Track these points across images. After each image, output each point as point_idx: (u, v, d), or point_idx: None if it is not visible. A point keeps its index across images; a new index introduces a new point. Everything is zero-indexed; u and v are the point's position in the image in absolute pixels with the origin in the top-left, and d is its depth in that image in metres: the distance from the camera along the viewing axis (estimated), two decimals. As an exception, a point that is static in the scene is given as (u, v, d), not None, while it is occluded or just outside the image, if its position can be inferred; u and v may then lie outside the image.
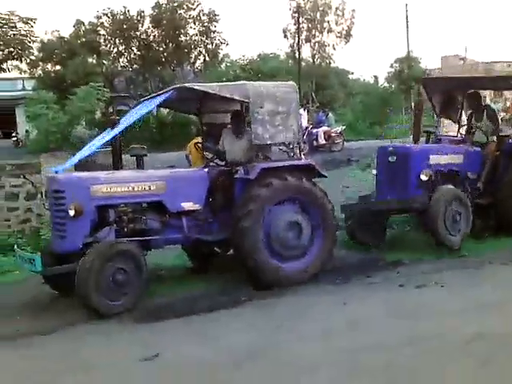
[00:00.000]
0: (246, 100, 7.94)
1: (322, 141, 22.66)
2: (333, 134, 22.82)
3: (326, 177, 8.72)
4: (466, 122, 11.16)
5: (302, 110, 23.87)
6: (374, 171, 10.35)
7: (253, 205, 7.68)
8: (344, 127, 24.48)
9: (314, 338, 5.82)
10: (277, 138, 8.12)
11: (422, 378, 4.79)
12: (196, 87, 8.07)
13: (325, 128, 23.09)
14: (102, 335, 6.35)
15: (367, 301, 7.09)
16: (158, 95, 8.25)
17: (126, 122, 7.94)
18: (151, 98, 8.50)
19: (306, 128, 23.15)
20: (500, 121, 14.98)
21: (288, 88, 8.33)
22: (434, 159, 9.71)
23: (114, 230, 7.39)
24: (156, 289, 7.81)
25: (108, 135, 7.95)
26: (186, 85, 8.27)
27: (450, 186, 9.51)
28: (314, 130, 22.97)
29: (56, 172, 7.56)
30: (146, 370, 5.29)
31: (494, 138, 10.45)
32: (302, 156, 8.67)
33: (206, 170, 8.33)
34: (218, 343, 5.87)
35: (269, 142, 8.13)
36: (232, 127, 8.76)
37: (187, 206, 7.84)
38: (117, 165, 9.32)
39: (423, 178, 9.39)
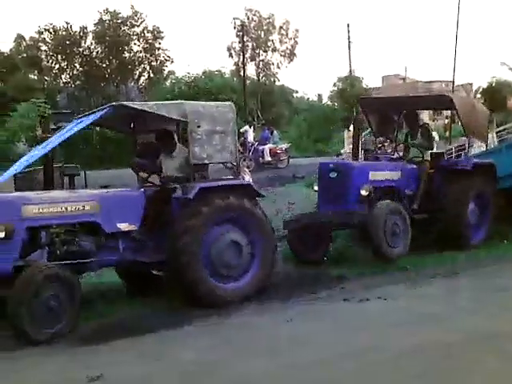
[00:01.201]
0: (184, 119, 7.88)
1: (267, 158, 22.83)
2: (278, 151, 23.03)
3: (264, 196, 8.71)
4: (402, 141, 11.53)
5: (247, 127, 24.07)
6: (316, 187, 10.53)
7: (191, 224, 7.54)
8: (289, 144, 24.74)
9: (260, 355, 5.79)
10: (214, 158, 8.10)
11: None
12: (133, 105, 7.94)
13: (270, 145, 23.28)
14: (44, 357, 6.13)
15: (312, 317, 7.13)
16: (94, 112, 8.06)
17: (58, 139, 7.71)
18: (87, 115, 8.26)
19: (252, 145, 23.30)
20: (437, 138, 15.56)
21: (226, 108, 8.33)
22: (373, 175, 9.98)
23: (46, 252, 7.06)
24: (100, 309, 7.63)
25: (39, 152, 7.72)
26: (123, 103, 8.12)
27: (389, 201, 9.75)
28: (260, 147, 23.12)
29: None
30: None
31: (428, 156, 10.85)
32: (247, 175, 8.64)
33: (142, 189, 8.11)
34: (164, 362, 5.77)
35: (206, 162, 8.08)
36: (162, 146, 8.56)
37: (123, 226, 7.60)
38: (48, 184, 8.99)
39: (363, 193, 9.61)
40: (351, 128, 14.28)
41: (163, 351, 6.14)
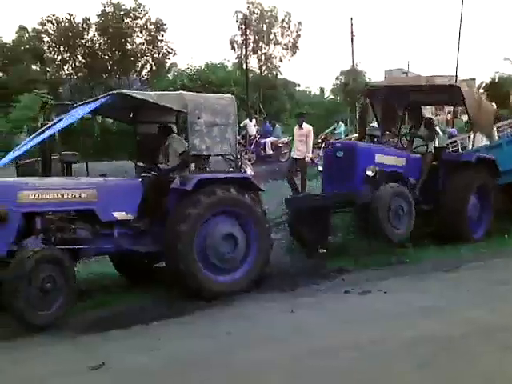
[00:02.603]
0: (184, 110, 7.88)
1: (269, 151, 22.84)
2: (280, 145, 23.03)
3: (262, 190, 8.67)
4: (406, 133, 11.54)
5: (247, 121, 24.05)
6: (321, 167, 10.55)
7: (188, 216, 7.53)
8: (291, 138, 24.68)
9: (262, 345, 5.83)
10: (214, 150, 8.08)
11: (365, 382, 4.88)
12: (134, 94, 7.92)
13: (272, 138, 23.29)
14: (44, 347, 6.15)
15: (314, 307, 7.16)
16: (94, 101, 8.05)
17: (58, 126, 7.68)
18: (87, 103, 8.25)
19: (254, 138, 23.30)
20: (441, 133, 15.53)
21: (227, 101, 8.32)
22: (379, 158, 9.98)
23: (40, 238, 7.08)
24: (100, 299, 7.67)
25: (37, 138, 7.73)
26: (124, 91, 8.08)
27: (394, 183, 9.74)
28: (262, 141, 23.13)
29: None
30: (92, 379, 5.20)
31: (432, 148, 10.87)
32: (249, 168, 8.62)
33: (140, 179, 8.16)
34: (164, 352, 5.79)
35: (205, 154, 8.06)
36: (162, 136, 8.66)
37: (119, 215, 7.62)
38: (45, 171, 9.00)
39: (369, 173, 9.61)
40: (305, 125, 13.94)
41: (164, 341, 6.16)
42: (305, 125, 14.10)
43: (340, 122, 24.51)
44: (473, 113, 10.90)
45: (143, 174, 8.50)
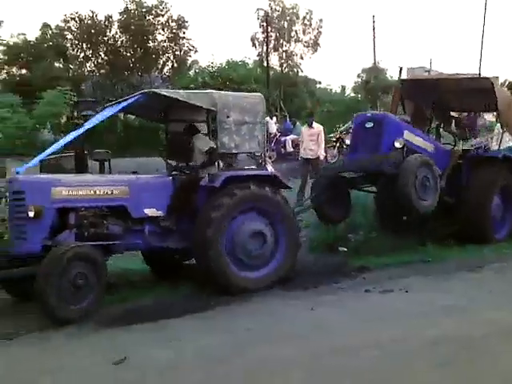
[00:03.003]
0: (214, 109, 7.98)
1: (290, 149, 22.83)
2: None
3: (290, 188, 8.78)
4: (434, 131, 11.49)
5: (268, 118, 24.04)
6: (348, 141, 10.57)
7: (216, 213, 7.64)
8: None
9: (282, 341, 5.87)
10: (242, 148, 8.19)
11: (386, 380, 4.89)
12: (165, 93, 8.05)
13: (293, 136, 23.26)
14: (68, 339, 6.26)
15: (335, 306, 7.18)
16: (125, 100, 8.17)
17: (88, 125, 7.82)
18: (118, 102, 8.39)
19: (275, 136, 23.31)
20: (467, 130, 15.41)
21: (255, 99, 8.44)
22: (408, 135, 9.93)
23: (74, 233, 7.24)
24: (125, 294, 7.78)
25: (69, 137, 7.86)
26: (155, 90, 8.22)
27: (421, 154, 9.74)
28: (282, 138, 23.15)
29: (17, 172, 7.37)
30: (114, 373, 5.26)
31: (461, 145, 10.82)
32: (269, 165, 8.71)
33: (171, 177, 8.28)
34: (186, 347, 5.86)
35: (234, 151, 8.16)
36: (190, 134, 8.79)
37: (150, 212, 7.76)
38: (80, 169, 9.18)
39: (397, 145, 9.58)
40: (315, 125, 13.91)
41: (186, 336, 6.23)
42: (315, 124, 14.09)
43: None
44: (503, 109, 10.84)
45: (174, 172, 8.61)
